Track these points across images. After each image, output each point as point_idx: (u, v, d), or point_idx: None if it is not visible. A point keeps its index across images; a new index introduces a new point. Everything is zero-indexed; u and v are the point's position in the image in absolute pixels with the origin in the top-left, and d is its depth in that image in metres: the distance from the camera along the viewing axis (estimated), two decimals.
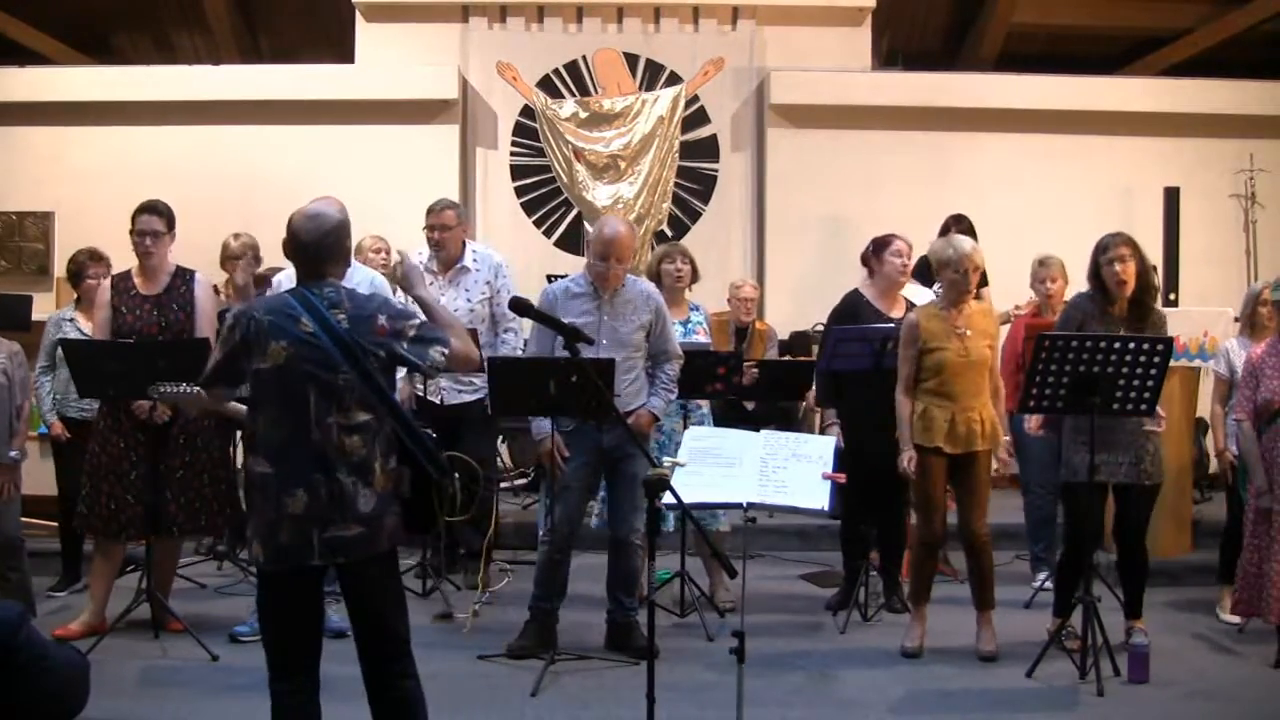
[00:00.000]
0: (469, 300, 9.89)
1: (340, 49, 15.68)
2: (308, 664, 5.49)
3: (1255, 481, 8.43)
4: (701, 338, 9.88)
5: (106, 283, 8.95)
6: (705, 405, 9.88)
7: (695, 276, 10.10)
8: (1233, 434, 9.50)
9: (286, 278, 8.61)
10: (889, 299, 9.71)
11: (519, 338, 10.06)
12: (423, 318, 5.63)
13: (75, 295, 10.18)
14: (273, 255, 10.99)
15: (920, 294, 10.01)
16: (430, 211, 10.12)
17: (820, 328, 10.43)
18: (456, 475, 5.74)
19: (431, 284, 10.03)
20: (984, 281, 11.07)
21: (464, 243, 10.16)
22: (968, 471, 8.56)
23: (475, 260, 10.06)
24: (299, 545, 5.30)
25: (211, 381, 5.57)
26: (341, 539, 5.33)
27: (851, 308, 9.73)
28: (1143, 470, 8.39)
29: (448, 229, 10.05)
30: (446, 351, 5.53)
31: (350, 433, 5.35)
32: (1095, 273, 8.50)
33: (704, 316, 10.17)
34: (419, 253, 10.17)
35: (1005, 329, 10.89)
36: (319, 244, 5.54)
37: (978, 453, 8.52)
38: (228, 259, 10.97)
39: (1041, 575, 10.21)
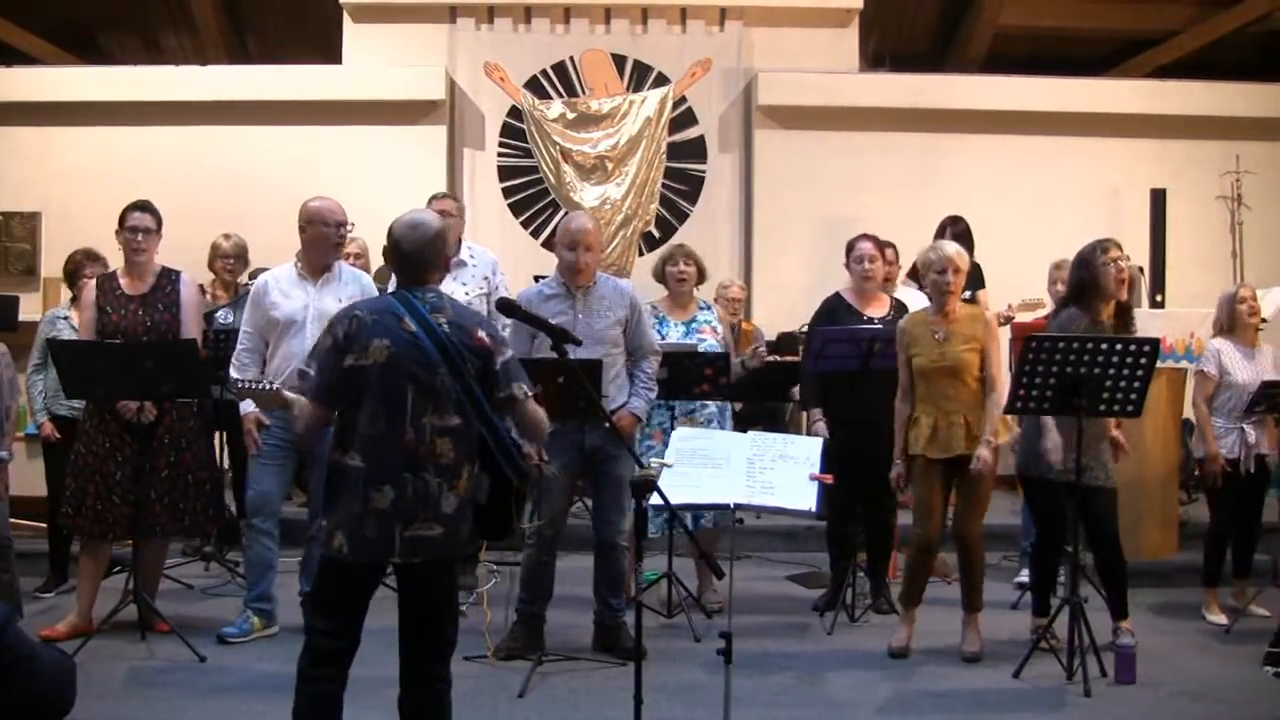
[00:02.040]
0: (466, 292, 9.88)
1: (327, 50, 15.66)
2: (348, 658, 5.64)
3: None
4: (708, 337, 9.83)
5: (91, 283, 8.96)
6: (715, 405, 9.88)
7: (702, 277, 10.10)
8: (1224, 433, 9.55)
9: (273, 278, 8.63)
10: (866, 299, 9.75)
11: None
12: (513, 352, 5.80)
13: (71, 295, 10.16)
14: (261, 255, 11.04)
15: (914, 297, 10.04)
16: (433, 198, 10.12)
17: (806, 329, 10.41)
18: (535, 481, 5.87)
19: None
20: (980, 284, 11.13)
21: (460, 238, 10.17)
22: (964, 475, 8.57)
23: (472, 256, 10.06)
24: (382, 540, 5.46)
25: (320, 391, 5.63)
26: (423, 539, 5.49)
27: (829, 310, 9.82)
28: (1108, 472, 8.50)
29: (449, 216, 10.06)
30: (528, 391, 5.71)
31: (442, 434, 5.52)
32: (1089, 275, 8.50)
33: (714, 316, 10.12)
34: None
35: (1004, 329, 10.94)
36: (421, 252, 5.75)
37: (970, 456, 8.51)
38: (218, 259, 10.99)
39: (1025, 571, 10.21)
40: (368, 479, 5.46)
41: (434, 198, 10.16)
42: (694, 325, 9.90)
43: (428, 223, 5.85)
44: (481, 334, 5.63)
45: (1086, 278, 8.51)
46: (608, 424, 7.04)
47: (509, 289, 9.95)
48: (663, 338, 9.44)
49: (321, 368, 5.62)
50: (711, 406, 9.82)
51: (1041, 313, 11.00)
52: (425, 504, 5.47)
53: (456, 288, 9.82)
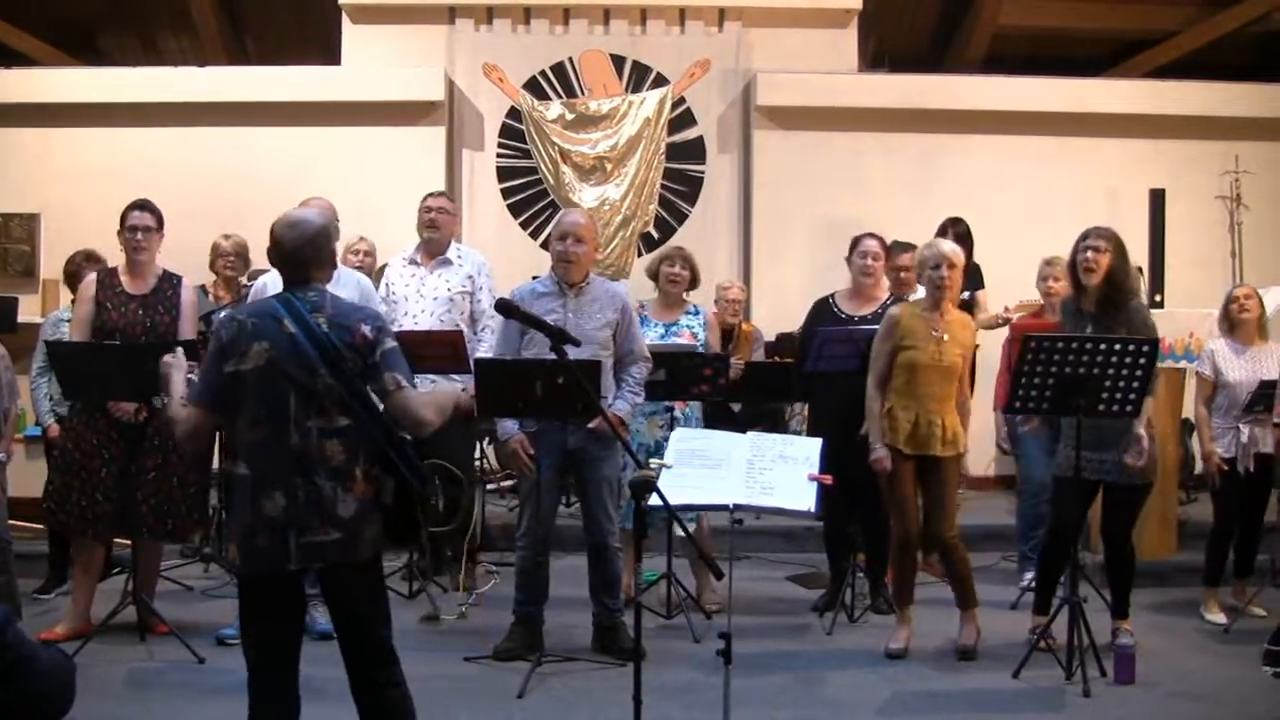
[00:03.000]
0: (449, 289, 9.90)
1: (326, 50, 15.65)
2: (286, 666, 5.51)
3: None
4: (683, 340, 9.84)
5: (91, 277, 8.94)
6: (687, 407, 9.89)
7: (695, 283, 10.10)
8: (1222, 432, 9.57)
9: (273, 280, 8.63)
10: (859, 299, 9.79)
11: (495, 336, 10.07)
12: (394, 345, 5.63)
13: (73, 297, 10.15)
14: (261, 256, 11.02)
15: None
16: (429, 195, 10.16)
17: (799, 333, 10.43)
18: (438, 483, 5.76)
19: (414, 275, 10.07)
20: (979, 284, 11.14)
21: (450, 239, 10.19)
22: (933, 476, 8.62)
23: (459, 256, 10.08)
24: (275, 549, 5.31)
25: (202, 394, 5.52)
26: (319, 544, 5.34)
27: (815, 314, 9.91)
28: (1130, 468, 8.41)
29: (445, 211, 10.11)
30: (400, 382, 5.52)
31: (330, 437, 5.38)
32: (1073, 262, 8.58)
33: (701, 320, 10.10)
34: (403, 251, 10.22)
35: (998, 332, 10.93)
36: (300, 250, 5.59)
37: (942, 459, 8.57)
38: (219, 258, 10.99)
39: (1029, 574, 10.19)
40: (255, 486, 5.34)
41: (431, 193, 10.20)
42: (674, 328, 9.91)
43: (309, 220, 5.72)
44: (365, 329, 5.49)
45: (1071, 269, 8.63)
46: (603, 423, 7.04)
47: (494, 291, 9.96)
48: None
49: (204, 372, 5.54)
50: (688, 407, 9.88)
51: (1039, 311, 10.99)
52: (319, 509, 5.33)
53: (439, 286, 9.87)
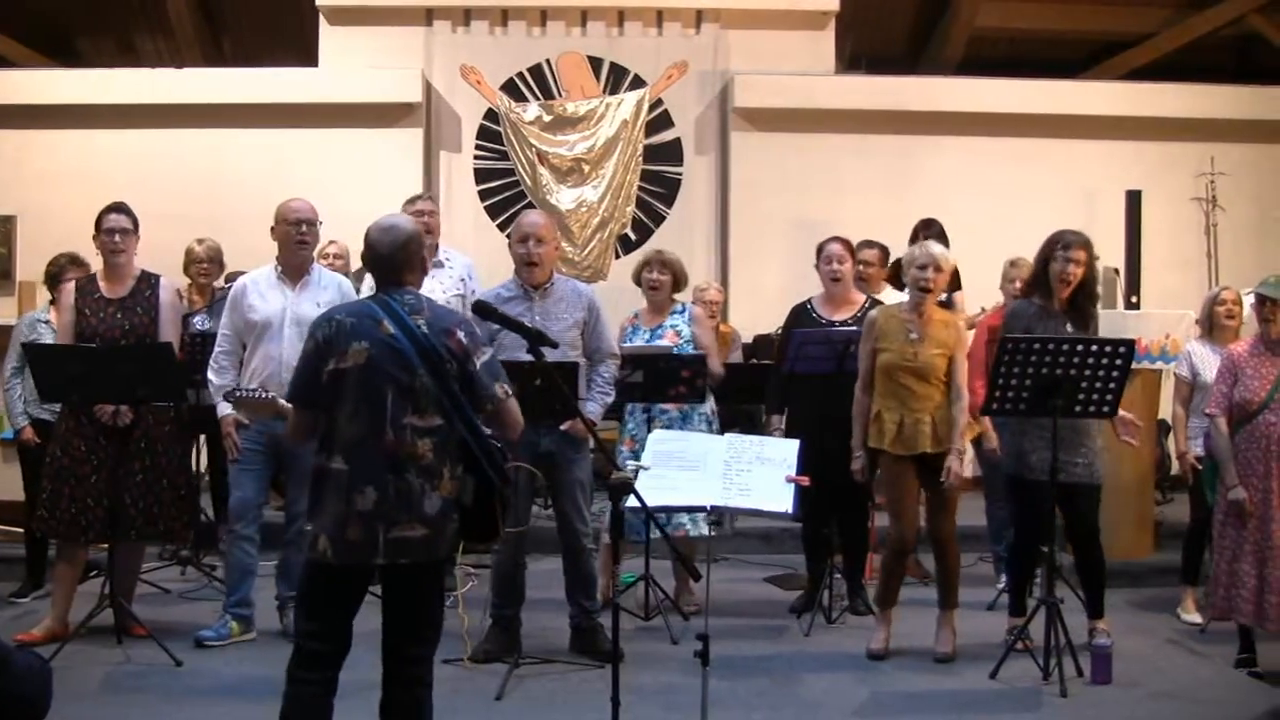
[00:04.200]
0: (444, 291, 9.88)
1: (304, 52, 15.67)
2: (337, 661, 5.63)
3: (1226, 479, 8.42)
4: (666, 341, 9.81)
5: (70, 286, 8.92)
6: (672, 409, 9.85)
7: (679, 285, 10.05)
8: (1198, 433, 9.56)
9: (251, 280, 8.63)
10: (833, 304, 9.79)
11: None
12: (493, 352, 5.83)
13: (50, 298, 10.10)
14: (237, 259, 11.02)
15: (896, 299, 10.06)
16: (416, 199, 10.12)
17: (779, 334, 10.44)
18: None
19: None
20: (956, 286, 11.15)
21: (437, 241, 10.20)
22: (933, 475, 8.58)
23: (448, 258, 10.07)
24: (366, 542, 5.46)
25: (299, 394, 5.70)
26: (406, 540, 5.49)
27: (793, 319, 9.90)
28: (1093, 469, 8.51)
29: (433, 214, 10.10)
30: (509, 390, 5.73)
31: (423, 435, 5.52)
32: (1040, 264, 8.56)
33: (687, 317, 9.98)
34: None
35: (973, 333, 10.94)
36: (395, 254, 5.77)
37: (941, 456, 8.53)
38: (192, 264, 10.96)
39: (1005, 577, 10.21)
40: (350, 481, 5.46)
41: (415, 198, 10.17)
42: (658, 331, 9.87)
43: (401, 225, 5.89)
44: (460, 335, 5.63)
45: (1039, 268, 8.59)
46: (578, 425, 7.04)
47: (479, 293, 9.98)
48: (628, 344, 9.45)
49: (301, 371, 5.66)
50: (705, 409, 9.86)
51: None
52: (408, 505, 5.46)
53: (435, 288, 9.83)
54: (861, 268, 10.35)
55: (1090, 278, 8.53)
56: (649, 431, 9.09)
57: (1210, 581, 8.64)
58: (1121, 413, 8.43)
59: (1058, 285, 8.48)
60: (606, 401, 8.67)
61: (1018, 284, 10.17)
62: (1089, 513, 8.57)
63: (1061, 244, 8.50)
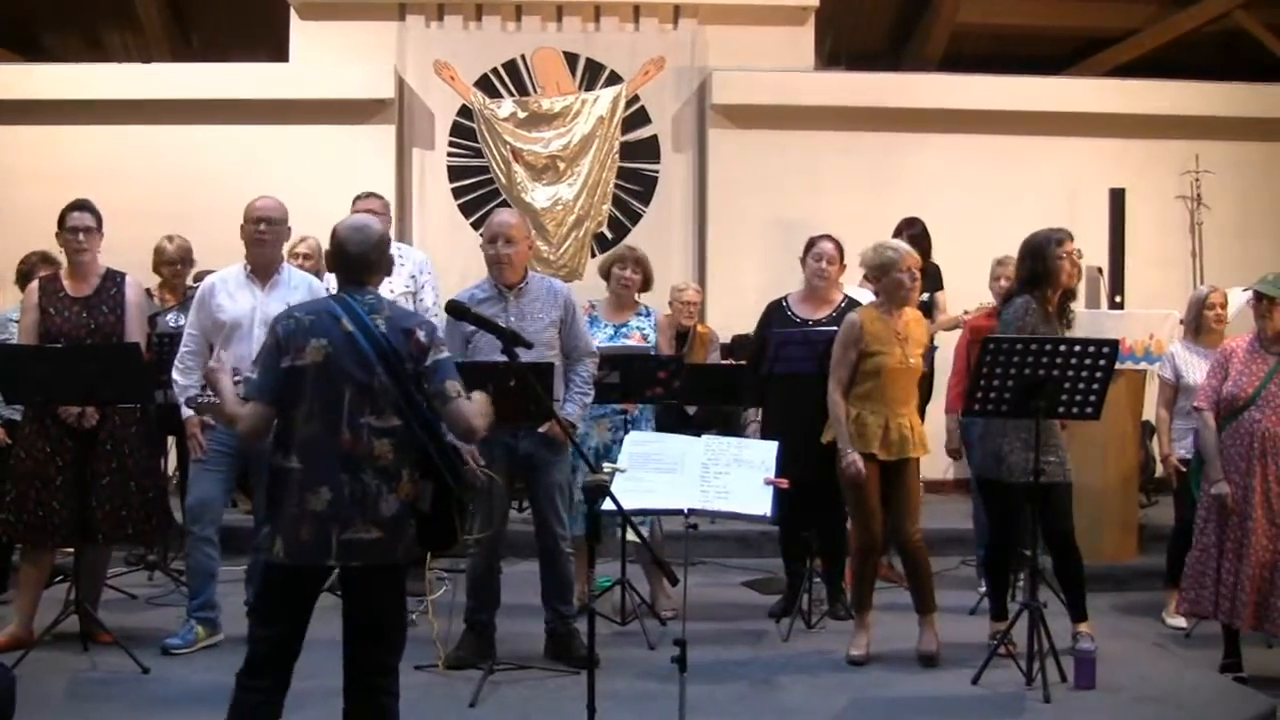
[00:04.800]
0: (392, 290, 9.87)
1: (274, 47, 15.60)
2: (285, 666, 5.65)
3: (1210, 473, 8.43)
4: (631, 342, 9.82)
5: (34, 285, 8.89)
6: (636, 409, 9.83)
7: (648, 285, 10.06)
8: (1182, 435, 9.59)
9: (220, 279, 8.60)
10: (812, 302, 9.77)
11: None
12: (449, 353, 5.85)
13: (20, 297, 10.06)
14: (207, 257, 10.98)
15: (867, 298, 10.06)
16: (358, 198, 10.18)
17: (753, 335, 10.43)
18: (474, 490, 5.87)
19: None
20: (938, 285, 11.16)
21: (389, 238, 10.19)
22: (899, 477, 8.60)
23: (400, 256, 10.06)
24: (318, 543, 5.48)
25: (258, 390, 5.72)
26: (361, 542, 5.50)
27: (767, 317, 9.89)
28: (1065, 468, 8.52)
29: (375, 215, 10.08)
30: (461, 391, 5.70)
31: (380, 436, 5.55)
32: (1041, 266, 8.50)
33: (652, 322, 10.04)
34: None
35: (957, 334, 10.94)
36: (366, 254, 5.83)
37: (909, 459, 8.57)
38: (163, 264, 10.92)
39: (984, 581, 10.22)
40: (304, 481, 5.49)
41: (359, 197, 10.16)
42: (623, 330, 9.86)
43: (373, 225, 5.96)
44: (420, 335, 5.66)
45: (1039, 269, 8.52)
46: (558, 427, 7.03)
47: (438, 288, 10.06)
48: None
49: (263, 368, 5.69)
50: (635, 410, 9.83)
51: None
52: (363, 506, 5.48)
53: (383, 284, 9.83)
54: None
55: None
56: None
57: (1183, 578, 8.68)
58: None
59: (1068, 280, 8.53)
60: (586, 402, 8.64)
61: (1002, 282, 10.20)
62: (1066, 512, 8.57)
63: (1054, 241, 8.50)
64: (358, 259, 5.79)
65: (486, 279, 8.58)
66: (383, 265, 5.92)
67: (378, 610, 5.70)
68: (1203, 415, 8.60)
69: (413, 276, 10.06)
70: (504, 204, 14.85)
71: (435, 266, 10.56)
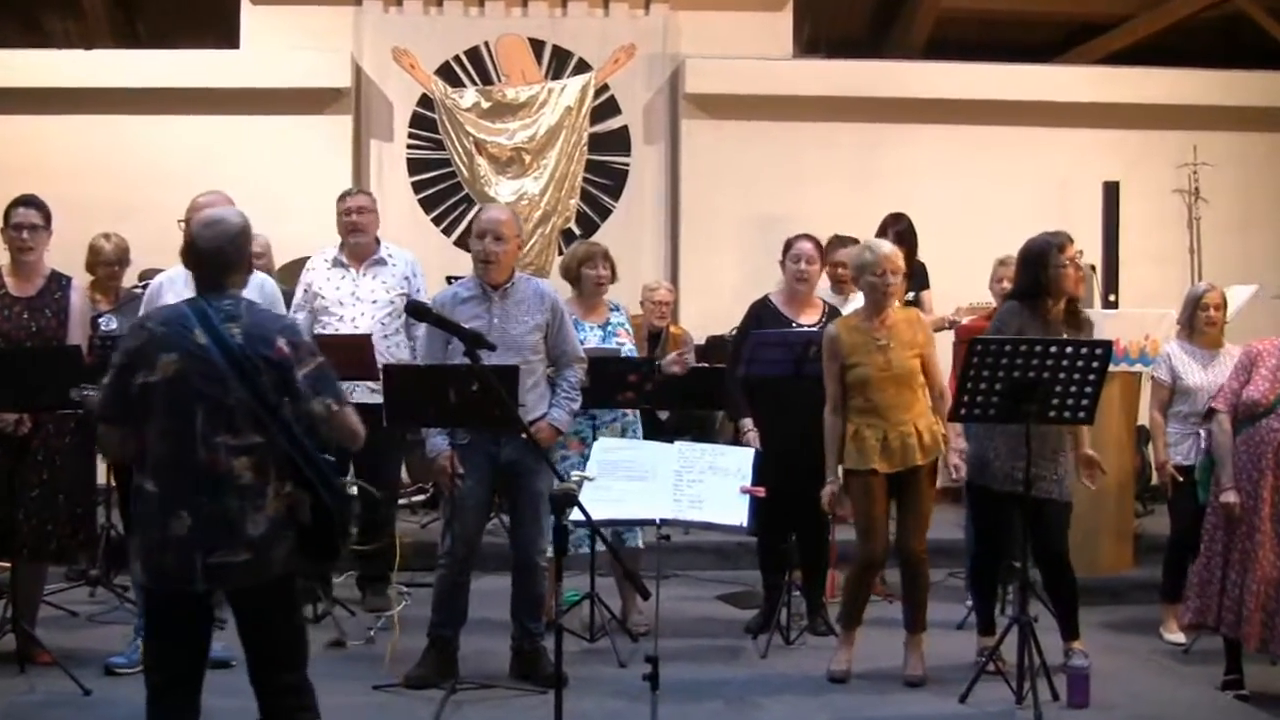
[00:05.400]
0: (388, 292, 9.90)
1: (224, 33, 15.57)
2: (187, 691, 5.56)
3: (1221, 479, 8.41)
4: (626, 341, 9.83)
5: None
6: (633, 413, 9.86)
7: (613, 279, 10.07)
8: (1178, 440, 9.60)
9: (168, 280, 8.56)
10: (797, 304, 9.77)
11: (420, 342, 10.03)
12: (323, 359, 5.67)
13: None
14: (151, 256, 10.93)
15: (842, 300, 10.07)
16: (347, 195, 10.18)
17: (734, 335, 10.42)
18: (359, 500, 5.78)
19: (343, 278, 10.04)
20: (924, 284, 11.16)
21: (377, 237, 10.17)
22: (909, 488, 8.59)
23: (390, 255, 10.07)
24: (182, 569, 5.34)
25: (106, 410, 5.63)
26: (226, 565, 5.37)
27: (755, 317, 9.83)
28: (1063, 486, 8.50)
29: (366, 211, 10.09)
30: (334, 406, 5.59)
31: (239, 454, 5.40)
32: (1043, 274, 8.48)
33: (625, 317, 10.09)
34: (322, 252, 10.17)
35: (949, 337, 10.93)
36: (219, 252, 5.63)
37: (919, 468, 8.53)
38: (99, 264, 10.84)
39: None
40: (163, 504, 5.38)
41: (349, 192, 10.20)
42: (609, 329, 9.87)
43: (227, 219, 5.77)
44: (281, 343, 5.52)
45: (1041, 278, 8.50)
46: (524, 435, 7.03)
47: (426, 291, 9.98)
48: (581, 342, 9.41)
49: (110, 385, 5.57)
50: (631, 414, 9.83)
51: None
52: (228, 529, 5.36)
53: (377, 288, 9.86)
54: (840, 271, 10.36)
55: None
56: (594, 436, 9.11)
57: (1189, 587, 8.68)
58: (1089, 452, 8.47)
59: (1067, 291, 8.51)
60: (573, 408, 8.68)
61: (1005, 283, 10.17)
62: (1057, 532, 8.54)
63: (1055, 248, 8.47)
64: (210, 255, 5.63)
65: (471, 276, 8.59)
66: (243, 264, 5.76)
67: (270, 629, 5.62)
68: (1218, 418, 8.53)
69: (406, 278, 10.06)
70: (466, 199, 14.92)
71: None
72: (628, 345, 9.84)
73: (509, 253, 8.45)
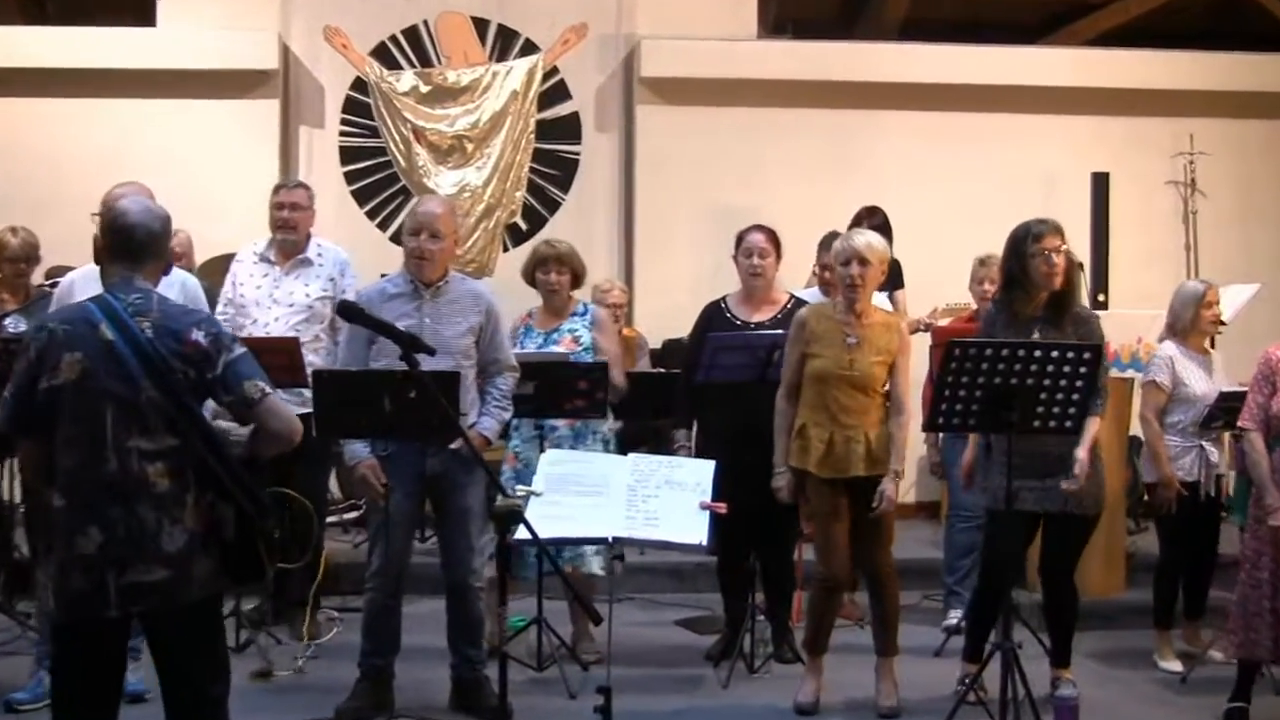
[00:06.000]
0: (308, 295, 9.84)
1: (139, 11, 15.49)
2: None
3: (1266, 500, 8.36)
4: (563, 348, 9.76)
5: None
6: (564, 425, 9.81)
7: (578, 282, 10.00)
8: (1176, 451, 9.58)
9: (81, 278, 8.52)
10: (753, 302, 9.77)
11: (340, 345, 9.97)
12: (244, 350, 5.60)
13: None
14: (62, 251, 10.87)
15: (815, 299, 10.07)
16: (281, 188, 10.14)
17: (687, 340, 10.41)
18: (283, 515, 5.72)
19: (265, 275, 9.99)
20: (899, 283, 11.15)
21: (309, 234, 10.12)
22: (866, 501, 8.52)
23: (320, 254, 10.02)
24: (93, 592, 5.27)
25: (12, 421, 5.53)
26: (142, 585, 5.30)
27: (705, 319, 9.84)
28: (1081, 499, 8.41)
29: (299, 208, 10.02)
30: (265, 387, 5.53)
31: (153, 459, 5.34)
32: (1017, 265, 8.50)
33: (589, 319, 9.92)
34: (254, 243, 10.12)
35: (925, 341, 10.93)
36: (130, 243, 5.58)
37: (874, 479, 8.48)
38: (5, 260, 10.76)
39: (955, 613, 10.21)
40: (70, 520, 5.31)
41: (283, 185, 10.16)
42: (553, 336, 9.82)
43: (141, 208, 5.74)
44: (196, 335, 5.45)
45: (1014, 268, 8.52)
46: (463, 445, 7.00)
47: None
48: (520, 348, 9.37)
49: (14, 392, 5.49)
50: (562, 429, 9.79)
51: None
52: (142, 544, 5.29)
53: (296, 289, 9.79)
54: (828, 274, 10.33)
55: (1068, 267, 8.50)
56: (540, 450, 9.06)
57: (1231, 615, 8.61)
58: (1080, 453, 8.42)
59: (1044, 283, 8.44)
60: (504, 418, 8.67)
61: (987, 285, 10.16)
62: (1065, 549, 8.56)
63: (1032, 237, 8.44)
64: (121, 247, 5.61)
65: (401, 272, 8.56)
66: (162, 255, 5.74)
67: (185, 656, 5.54)
68: (1250, 437, 8.43)
69: (331, 279, 9.98)
70: (404, 191, 14.89)
71: None
72: (578, 354, 9.73)
73: (445, 250, 8.42)
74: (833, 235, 10.37)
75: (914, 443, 10.86)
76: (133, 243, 5.57)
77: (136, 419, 5.33)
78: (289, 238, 9.99)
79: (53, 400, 5.36)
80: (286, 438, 5.63)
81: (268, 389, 5.54)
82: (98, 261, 5.79)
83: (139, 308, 5.43)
